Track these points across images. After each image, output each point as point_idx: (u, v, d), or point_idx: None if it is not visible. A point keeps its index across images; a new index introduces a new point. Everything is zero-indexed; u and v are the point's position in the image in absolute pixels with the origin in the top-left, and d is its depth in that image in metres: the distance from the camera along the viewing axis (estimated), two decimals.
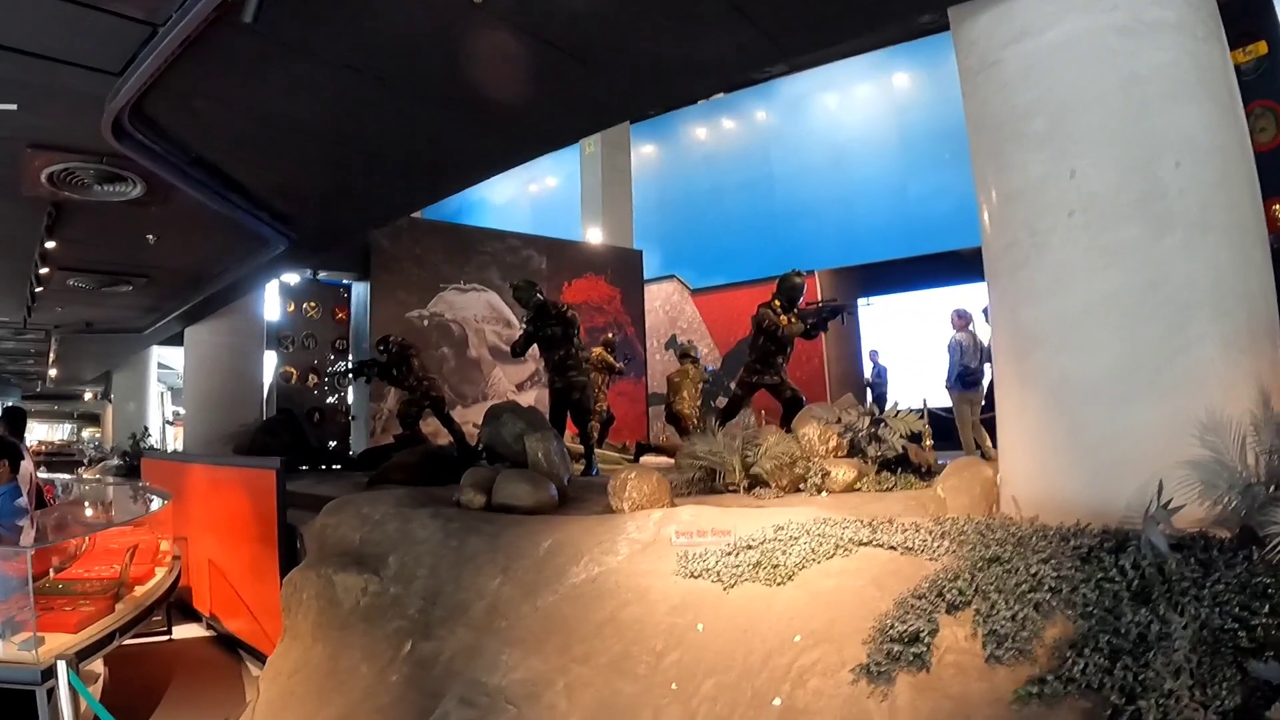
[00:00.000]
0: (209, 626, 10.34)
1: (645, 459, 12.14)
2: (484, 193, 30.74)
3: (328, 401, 17.84)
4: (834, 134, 25.78)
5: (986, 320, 15.63)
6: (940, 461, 7.09)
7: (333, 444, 17.11)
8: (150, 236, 10.17)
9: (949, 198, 22.14)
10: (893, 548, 4.41)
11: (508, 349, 17.47)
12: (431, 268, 18.28)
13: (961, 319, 12.56)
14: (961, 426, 11.89)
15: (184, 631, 10.32)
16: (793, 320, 10.66)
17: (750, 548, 4.74)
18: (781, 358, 10.85)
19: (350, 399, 18.21)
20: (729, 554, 4.76)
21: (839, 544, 4.55)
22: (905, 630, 3.63)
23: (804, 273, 11.23)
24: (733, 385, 11.80)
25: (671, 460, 11.70)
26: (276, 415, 16.57)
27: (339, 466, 14.74)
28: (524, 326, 11.40)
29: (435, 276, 18.31)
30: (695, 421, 14.11)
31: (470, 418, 15.72)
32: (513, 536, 6.15)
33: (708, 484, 7.06)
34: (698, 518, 5.36)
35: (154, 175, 7.67)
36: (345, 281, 18.36)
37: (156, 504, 10.04)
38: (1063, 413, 4.73)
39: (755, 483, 6.67)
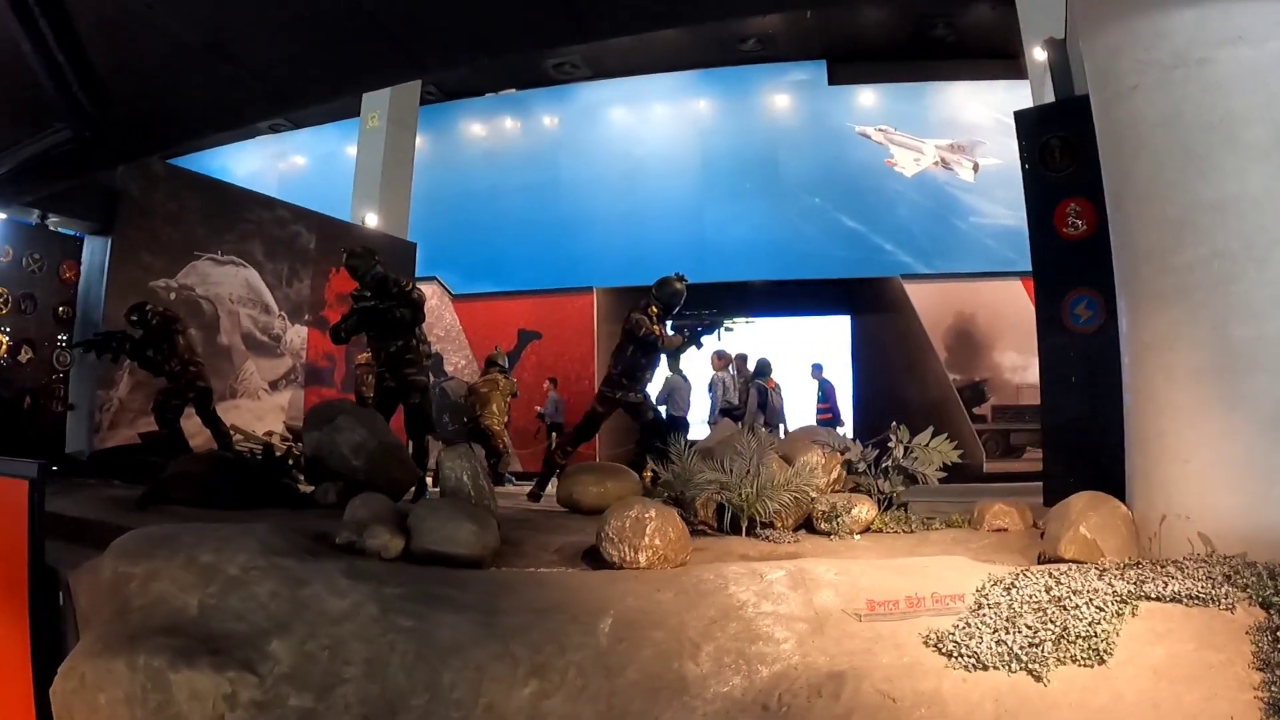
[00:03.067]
0: None
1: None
2: (225, 159, 27.34)
3: (43, 384, 14.13)
4: (631, 148, 24.79)
5: (814, 375, 15.60)
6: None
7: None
8: None
9: (744, 227, 22.68)
10: (1175, 599, 4.02)
11: (265, 338, 15.08)
12: (186, 229, 15.13)
13: (721, 359, 13.74)
14: None
15: None
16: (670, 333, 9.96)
17: (1016, 616, 3.96)
18: (650, 373, 10.14)
19: (69, 384, 14.54)
20: (988, 627, 3.92)
21: (1119, 600, 4.02)
22: None
23: (685, 278, 10.02)
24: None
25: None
26: None
27: (55, 469, 11.54)
28: (355, 304, 9.34)
29: (189, 241, 15.18)
30: (505, 440, 13.16)
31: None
32: (518, 610, 4.24)
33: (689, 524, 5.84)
34: (849, 575, 4.42)
35: None
36: (79, 235, 14.80)
37: None
38: None
39: (754, 523, 5.91)
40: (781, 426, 15.24)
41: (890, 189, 22.42)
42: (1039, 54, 15.50)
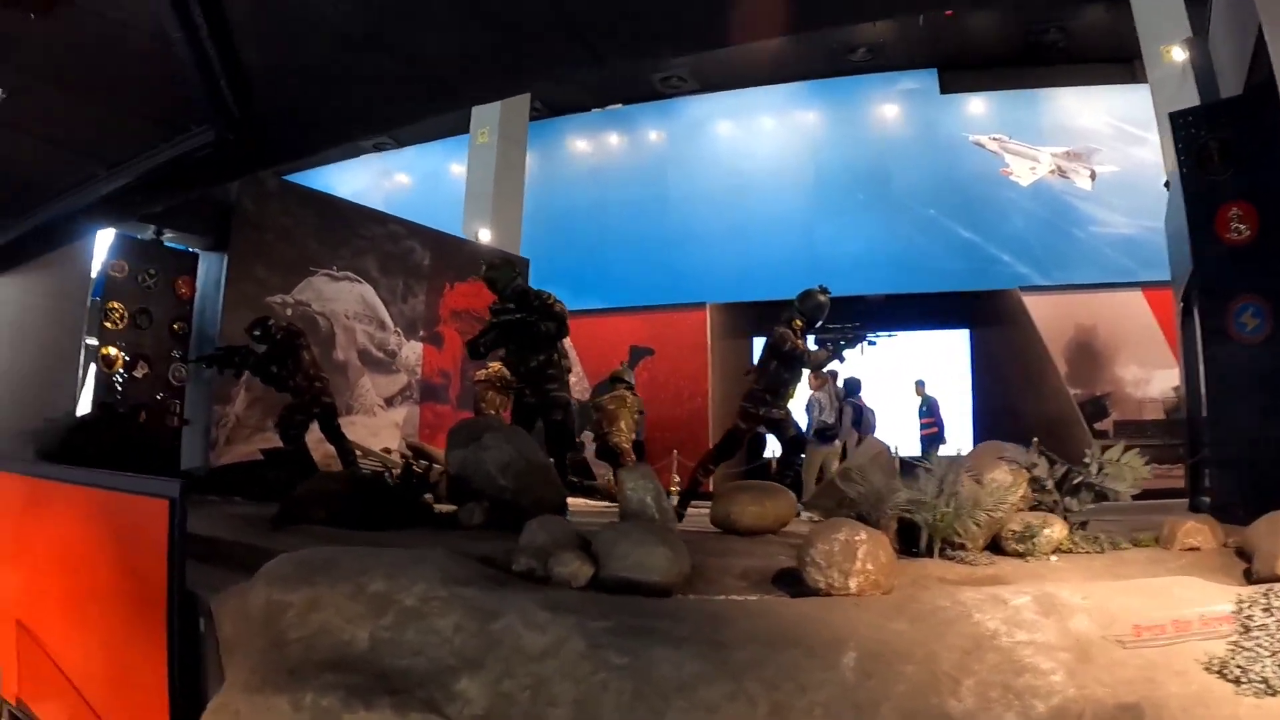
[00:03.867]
0: None
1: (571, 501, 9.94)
2: (330, 177, 27.41)
3: (158, 399, 14.06)
4: (739, 162, 24.16)
5: (918, 391, 15.38)
6: None
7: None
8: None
9: (857, 241, 21.91)
10: None
11: (380, 354, 14.96)
12: (301, 244, 15.06)
13: (819, 379, 13.46)
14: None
15: None
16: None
17: None
18: (793, 389, 9.68)
19: (184, 399, 14.38)
20: (1265, 650, 3.55)
21: None
22: None
23: (829, 290, 9.80)
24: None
25: (610, 503, 11.40)
26: (96, 411, 12.73)
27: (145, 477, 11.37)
28: (494, 318, 9.10)
29: (304, 257, 15.10)
30: (633, 458, 12.64)
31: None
32: (743, 643, 3.70)
33: None
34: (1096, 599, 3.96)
35: None
36: (193, 250, 14.72)
37: None
38: None
39: (945, 544, 5.47)
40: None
41: (1005, 198, 21.67)
42: (1178, 54, 14.95)
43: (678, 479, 14.02)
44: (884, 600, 4.30)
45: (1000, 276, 20.67)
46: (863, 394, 15.49)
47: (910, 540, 5.48)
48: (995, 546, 5.57)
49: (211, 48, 5.30)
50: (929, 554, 5.40)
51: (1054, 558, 5.43)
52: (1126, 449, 6.11)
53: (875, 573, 4.43)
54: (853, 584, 4.40)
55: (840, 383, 14.62)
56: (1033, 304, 18.72)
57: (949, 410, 17.82)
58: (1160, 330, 17.13)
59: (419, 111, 7.83)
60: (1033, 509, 6.00)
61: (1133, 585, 4.29)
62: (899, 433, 16.44)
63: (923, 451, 15.13)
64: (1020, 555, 5.44)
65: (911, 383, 17.34)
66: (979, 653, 3.65)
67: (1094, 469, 6.07)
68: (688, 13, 5.03)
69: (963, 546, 5.42)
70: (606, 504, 11.68)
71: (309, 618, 4.18)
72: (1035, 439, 6.50)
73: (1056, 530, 5.58)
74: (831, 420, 13.54)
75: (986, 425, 18.75)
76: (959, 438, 17.30)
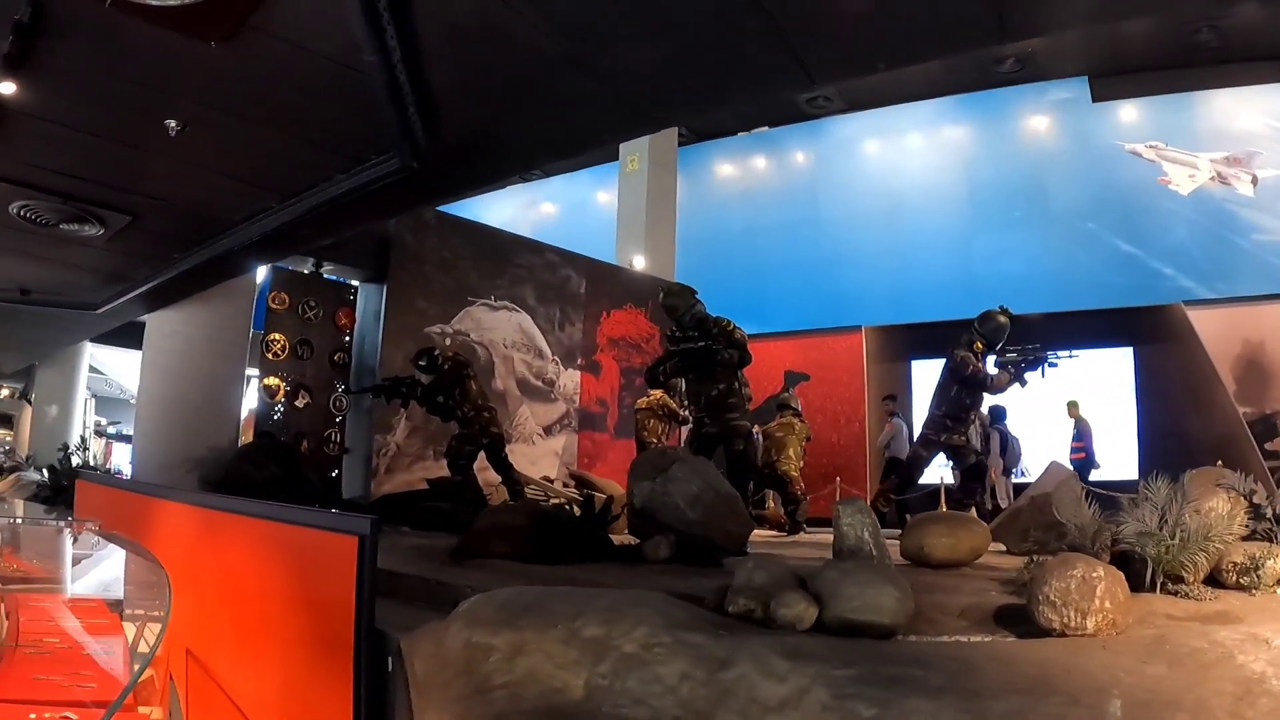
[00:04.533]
0: None
1: None
2: (478, 208, 27.71)
3: (317, 429, 14.23)
4: (890, 180, 23.57)
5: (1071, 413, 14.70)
6: None
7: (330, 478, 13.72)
8: (173, 122, 6.28)
9: (1015, 258, 21.20)
10: None
11: (538, 383, 14.94)
12: (459, 275, 15.26)
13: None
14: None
15: None
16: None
17: None
18: (975, 414, 9.94)
19: (345, 428, 14.62)
20: None
21: None
22: None
23: (1009, 311, 9.79)
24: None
25: (778, 533, 11.55)
26: (259, 440, 13.03)
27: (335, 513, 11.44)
28: (671, 345, 9.24)
29: (463, 287, 15.30)
30: (802, 486, 12.17)
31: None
32: (999, 692, 3.34)
33: None
34: None
35: None
36: (352, 282, 14.99)
37: (138, 571, 6.47)
38: None
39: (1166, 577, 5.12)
40: (1015, 471, 15.61)
41: (1165, 209, 20.68)
42: None
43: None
44: (1130, 641, 4.04)
45: (1163, 291, 19.72)
46: (1008, 421, 15.35)
47: (1127, 574, 5.14)
48: (1212, 579, 5.20)
49: (403, 72, 5.14)
50: (1151, 589, 5.07)
51: None
52: None
53: (1113, 611, 4.18)
54: (1090, 624, 4.15)
55: (985, 409, 14.17)
56: (1198, 318, 17.80)
57: (1111, 432, 17.16)
58: None
59: (614, 134, 7.64)
60: (1246, 538, 5.61)
61: None
62: (1047, 460, 15.98)
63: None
64: (1244, 588, 5.11)
65: (1064, 404, 16.60)
66: (1250, 698, 3.37)
67: None
68: (903, 23, 4.71)
69: (1182, 579, 5.11)
70: (775, 533, 11.41)
71: (515, 663, 3.92)
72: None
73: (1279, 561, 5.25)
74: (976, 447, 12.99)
75: (1153, 447, 17.90)
76: (1123, 462, 16.64)
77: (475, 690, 3.95)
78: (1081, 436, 16.41)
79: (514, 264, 16.22)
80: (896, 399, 17.10)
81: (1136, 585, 4.92)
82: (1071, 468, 13.90)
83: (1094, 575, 4.15)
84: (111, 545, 6.96)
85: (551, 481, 14.08)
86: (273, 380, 13.65)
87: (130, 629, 6.17)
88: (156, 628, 6.02)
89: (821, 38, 4.86)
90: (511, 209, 28.19)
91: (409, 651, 4.48)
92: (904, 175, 23.43)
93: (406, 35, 4.88)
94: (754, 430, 9.71)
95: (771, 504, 13.42)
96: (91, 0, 4.59)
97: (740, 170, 25.80)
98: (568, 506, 9.03)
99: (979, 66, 22.07)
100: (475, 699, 3.91)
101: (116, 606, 6.42)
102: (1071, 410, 16.41)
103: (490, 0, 4.58)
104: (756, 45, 4.88)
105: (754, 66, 5.25)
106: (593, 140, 7.65)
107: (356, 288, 14.98)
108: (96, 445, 24.02)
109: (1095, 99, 21.83)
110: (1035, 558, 5.34)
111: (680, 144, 23.49)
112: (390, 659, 4.72)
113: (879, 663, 3.48)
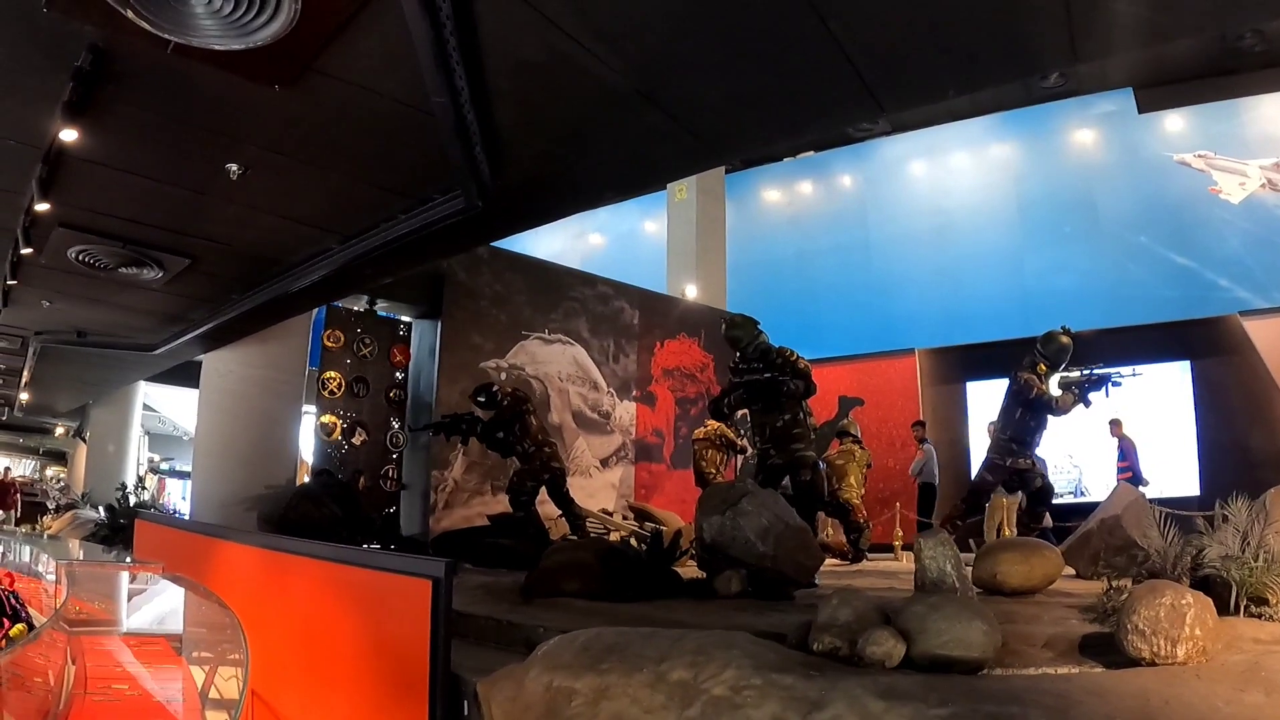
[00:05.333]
0: None
1: None
2: (525, 241, 27.78)
3: (374, 466, 14.25)
4: (938, 200, 23.44)
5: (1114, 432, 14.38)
6: None
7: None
8: (234, 166, 6.34)
9: (1068, 274, 20.91)
10: None
11: (594, 415, 14.89)
12: (513, 310, 15.32)
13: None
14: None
15: None
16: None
17: None
18: (1040, 436, 9.59)
19: (401, 465, 14.62)
20: None
21: None
22: None
23: (1071, 330, 9.70)
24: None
25: (840, 561, 11.41)
26: (318, 478, 13.03)
27: (394, 549, 11.48)
28: (735, 377, 9.13)
29: (517, 321, 15.35)
30: (864, 514, 12.04)
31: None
32: None
33: None
34: None
35: None
36: (405, 319, 15.03)
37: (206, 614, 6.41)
38: None
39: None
40: None
41: (1218, 218, 20.33)
42: None
43: (900, 533, 13.45)
44: (1223, 669, 3.94)
45: (1219, 302, 19.37)
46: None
47: (1211, 598, 5.01)
48: None
49: (470, 111, 5.09)
50: (1235, 612, 4.94)
51: None
52: None
53: (1203, 638, 4.09)
54: (1180, 651, 4.06)
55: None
56: (1254, 329, 17.32)
57: (1169, 448, 16.83)
58: None
59: (683, 168, 7.52)
60: None
61: None
62: (1094, 479, 15.96)
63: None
64: None
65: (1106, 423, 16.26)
66: None
67: None
68: (975, 49, 4.64)
69: (1266, 602, 4.98)
70: (838, 561, 11.27)
71: (599, 707, 3.83)
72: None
73: None
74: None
75: (1214, 463, 17.54)
76: (1182, 478, 16.38)
77: None
78: (1126, 455, 16.05)
79: (567, 297, 16.27)
80: (925, 425, 16.77)
81: (1221, 609, 4.77)
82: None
83: (1183, 602, 4.07)
84: (169, 584, 6.97)
85: (610, 514, 14.01)
86: (329, 418, 13.70)
87: (198, 672, 6.13)
88: (227, 671, 5.96)
89: (893, 65, 4.79)
90: (561, 241, 28.22)
91: (486, 696, 4.42)
92: (952, 195, 23.28)
93: (475, 75, 4.83)
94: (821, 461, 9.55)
95: (830, 530, 13.25)
96: (153, 46, 4.59)
97: (788, 196, 25.74)
98: (631, 540, 8.95)
99: (1023, 83, 21.90)
100: None
101: (179, 646, 6.38)
102: (1115, 429, 16.06)
103: (559, 37, 4.53)
104: (826, 75, 4.81)
105: (824, 97, 5.18)
106: (661, 175, 7.61)
107: (410, 324, 15.02)
108: (150, 482, 24.04)
109: (1141, 110, 21.51)
110: (1114, 584, 5.24)
111: (727, 171, 23.45)
112: (465, 703, 4.68)
113: (975, 700, 3.34)
